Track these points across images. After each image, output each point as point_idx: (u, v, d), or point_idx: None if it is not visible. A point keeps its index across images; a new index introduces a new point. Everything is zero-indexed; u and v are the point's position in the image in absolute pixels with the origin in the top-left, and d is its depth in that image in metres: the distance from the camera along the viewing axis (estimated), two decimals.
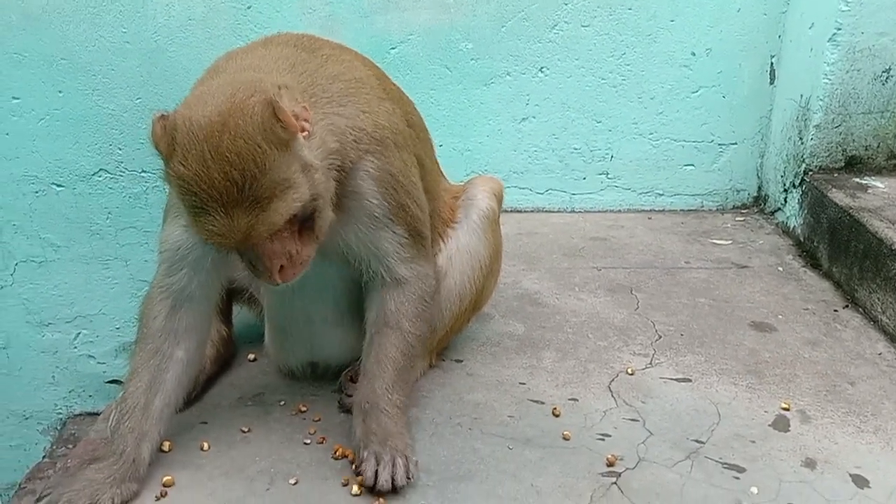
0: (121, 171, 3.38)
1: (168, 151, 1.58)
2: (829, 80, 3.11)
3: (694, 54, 3.42)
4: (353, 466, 1.86)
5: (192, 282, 1.87)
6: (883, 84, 3.13)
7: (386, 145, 1.87)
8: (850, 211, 2.85)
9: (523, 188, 3.57)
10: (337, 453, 1.92)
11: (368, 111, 1.85)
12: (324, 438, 1.98)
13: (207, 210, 1.56)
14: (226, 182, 1.54)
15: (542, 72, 3.42)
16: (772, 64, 3.45)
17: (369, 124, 1.84)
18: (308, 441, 1.98)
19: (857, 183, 3.11)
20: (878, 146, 3.21)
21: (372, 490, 1.78)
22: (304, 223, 1.68)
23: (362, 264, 1.95)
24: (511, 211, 3.49)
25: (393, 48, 3.32)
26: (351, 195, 1.86)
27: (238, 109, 1.56)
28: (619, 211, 3.60)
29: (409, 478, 1.80)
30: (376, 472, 1.78)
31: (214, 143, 1.54)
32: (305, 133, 1.65)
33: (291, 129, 1.58)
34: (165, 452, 1.92)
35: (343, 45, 2.06)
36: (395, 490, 1.78)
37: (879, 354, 2.47)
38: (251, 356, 2.35)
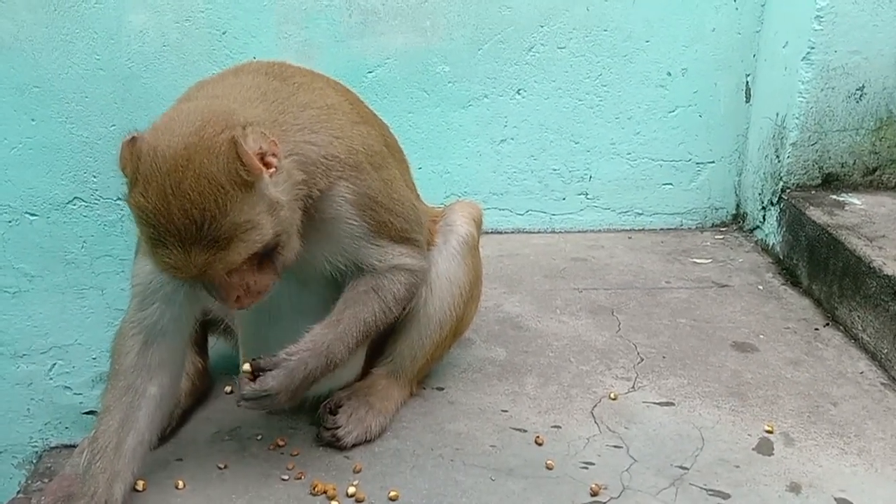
0: (95, 199, 3.33)
1: (132, 179, 1.56)
2: (804, 98, 3.13)
3: (670, 74, 3.44)
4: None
5: (165, 316, 1.84)
6: (857, 101, 3.15)
7: (361, 169, 1.86)
8: (828, 228, 2.85)
9: (503, 209, 3.56)
10: (315, 489, 1.88)
11: (341, 136, 1.84)
12: (302, 474, 1.94)
13: (165, 243, 1.55)
14: (185, 219, 1.52)
15: (519, 94, 3.42)
16: (747, 83, 3.48)
17: (342, 150, 1.82)
18: (286, 477, 1.94)
19: (835, 200, 3.13)
20: (853, 163, 3.23)
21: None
22: (264, 255, 1.66)
23: (347, 273, 1.95)
24: (491, 232, 3.48)
25: (370, 72, 3.31)
26: (329, 221, 1.85)
27: (204, 146, 1.54)
28: (599, 231, 3.59)
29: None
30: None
31: (177, 179, 1.52)
32: (273, 170, 1.62)
33: (255, 172, 1.56)
34: (140, 492, 1.87)
35: (315, 71, 2.04)
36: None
37: (861, 373, 2.46)
38: (227, 388, 2.31)
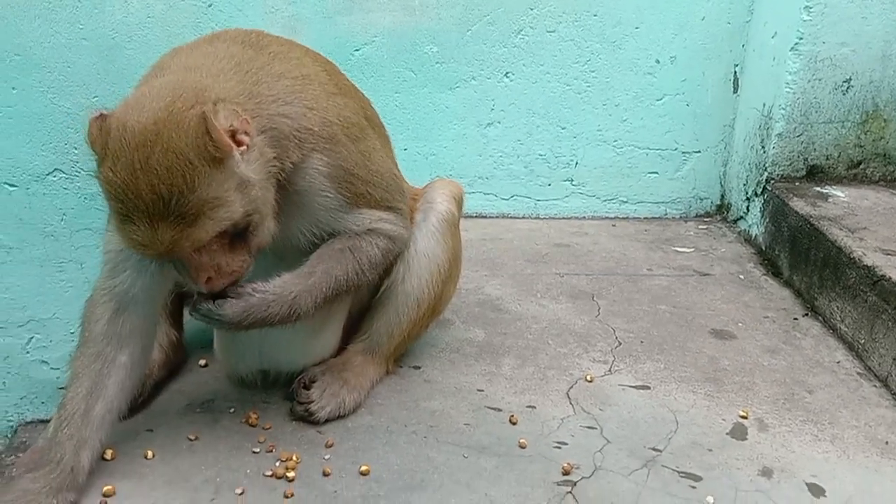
0: (76, 172, 3.28)
1: (101, 155, 1.55)
2: (791, 89, 3.13)
3: (658, 62, 3.43)
4: None
5: (136, 284, 1.81)
6: (843, 94, 3.15)
7: (336, 140, 1.84)
8: (811, 220, 2.86)
9: (488, 194, 3.54)
10: (283, 459, 1.86)
11: (315, 108, 1.81)
12: (273, 447, 1.93)
13: (132, 219, 1.54)
14: (152, 195, 1.51)
15: (507, 77, 3.40)
16: (735, 73, 3.47)
17: (316, 122, 1.80)
18: (257, 450, 1.92)
19: (818, 192, 3.13)
20: (838, 155, 3.23)
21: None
22: (236, 236, 1.64)
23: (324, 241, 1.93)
24: (475, 216, 3.47)
25: (357, 50, 3.28)
26: (303, 193, 1.84)
27: (173, 121, 1.53)
28: (584, 218, 3.58)
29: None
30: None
31: (145, 154, 1.50)
32: (244, 147, 1.60)
33: (225, 148, 1.54)
34: (108, 461, 1.85)
35: (293, 41, 2.01)
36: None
37: (838, 363, 2.47)
38: (202, 362, 2.29)
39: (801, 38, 3.07)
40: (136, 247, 1.58)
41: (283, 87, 1.77)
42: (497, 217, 3.55)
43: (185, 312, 2.30)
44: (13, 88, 3.15)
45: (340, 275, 1.90)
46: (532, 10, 3.32)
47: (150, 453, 1.89)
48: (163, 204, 1.52)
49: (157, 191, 1.50)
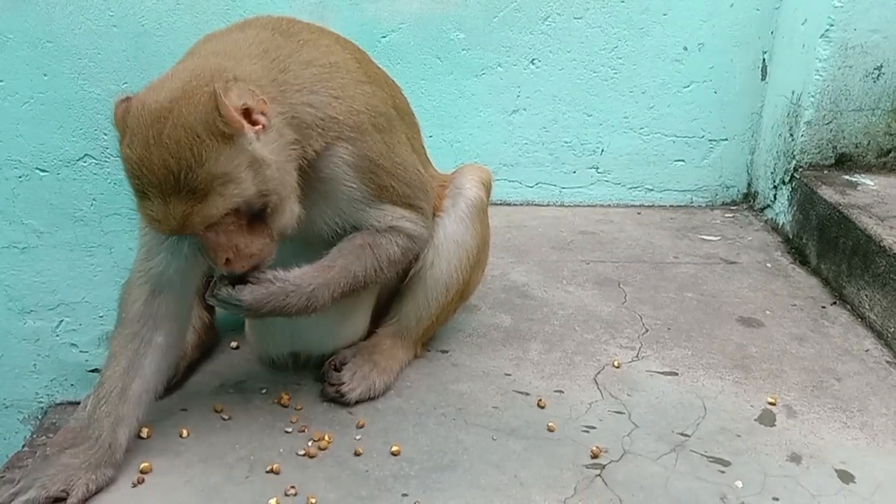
0: (106, 157, 3.33)
1: (122, 133, 1.59)
2: (821, 76, 3.10)
3: (686, 49, 3.40)
4: None
5: (171, 266, 1.84)
6: (874, 81, 3.12)
7: (363, 130, 1.84)
8: (840, 208, 2.83)
9: (513, 181, 3.55)
10: (316, 438, 1.89)
11: (342, 97, 1.82)
12: (305, 427, 1.96)
13: (148, 195, 1.58)
14: (164, 169, 1.54)
15: (533, 64, 3.39)
16: (763, 60, 3.44)
17: (342, 111, 1.81)
18: (289, 430, 1.95)
19: (847, 180, 3.10)
20: (868, 143, 3.20)
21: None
22: (255, 217, 1.65)
23: (346, 234, 1.94)
24: (500, 204, 3.47)
25: (384, 37, 3.29)
26: (327, 182, 1.84)
27: (187, 98, 1.56)
28: (609, 205, 3.58)
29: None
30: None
31: (158, 130, 1.54)
32: (259, 127, 1.62)
33: (234, 124, 1.56)
34: (144, 439, 1.89)
35: (324, 28, 2.02)
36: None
37: (867, 351, 2.46)
38: (234, 343, 2.32)
39: (831, 25, 3.04)
40: (152, 223, 1.61)
41: (309, 74, 1.78)
42: (522, 204, 3.56)
43: None
44: (45, 75, 3.20)
45: (359, 271, 1.90)
46: None
47: (185, 432, 1.92)
48: (173, 178, 1.55)
49: (168, 165, 1.54)
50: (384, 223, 1.95)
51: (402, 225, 1.97)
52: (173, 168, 1.54)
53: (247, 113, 1.60)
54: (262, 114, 1.63)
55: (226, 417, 1.99)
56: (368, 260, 1.93)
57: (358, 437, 1.93)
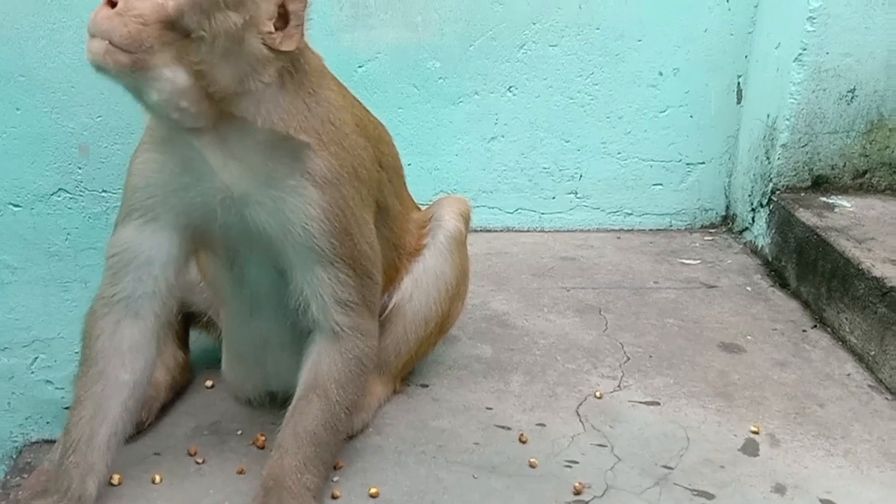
0: (80, 191, 3.28)
1: None
2: (796, 99, 3.13)
3: (661, 74, 3.42)
4: None
5: (137, 291, 1.77)
6: (848, 104, 3.15)
7: (342, 171, 1.76)
8: (817, 230, 2.85)
9: (492, 207, 3.54)
10: None
11: (344, 145, 1.79)
12: None
13: None
14: None
15: (510, 91, 3.40)
16: (738, 84, 3.47)
17: (339, 125, 1.78)
18: (265, 473, 1.90)
19: (824, 202, 3.12)
20: (843, 165, 3.22)
21: None
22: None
23: (300, 306, 1.83)
24: (480, 230, 3.45)
25: (360, 66, 3.28)
26: (287, 187, 1.71)
27: None
28: (589, 230, 3.57)
29: None
30: None
31: None
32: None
33: None
34: (115, 486, 1.83)
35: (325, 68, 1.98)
36: None
37: (848, 375, 2.45)
38: (209, 382, 2.28)
39: (804, 49, 3.07)
40: None
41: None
42: (502, 231, 3.55)
43: (192, 333, 2.29)
44: (17, 109, 3.16)
45: (327, 428, 1.80)
46: (535, 24, 3.32)
47: (157, 477, 1.87)
48: None
49: None
50: (333, 318, 1.81)
51: (351, 324, 1.82)
52: None
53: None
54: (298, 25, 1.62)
55: (199, 461, 1.94)
56: (326, 411, 1.80)
57: (336, 479, 1.89)
